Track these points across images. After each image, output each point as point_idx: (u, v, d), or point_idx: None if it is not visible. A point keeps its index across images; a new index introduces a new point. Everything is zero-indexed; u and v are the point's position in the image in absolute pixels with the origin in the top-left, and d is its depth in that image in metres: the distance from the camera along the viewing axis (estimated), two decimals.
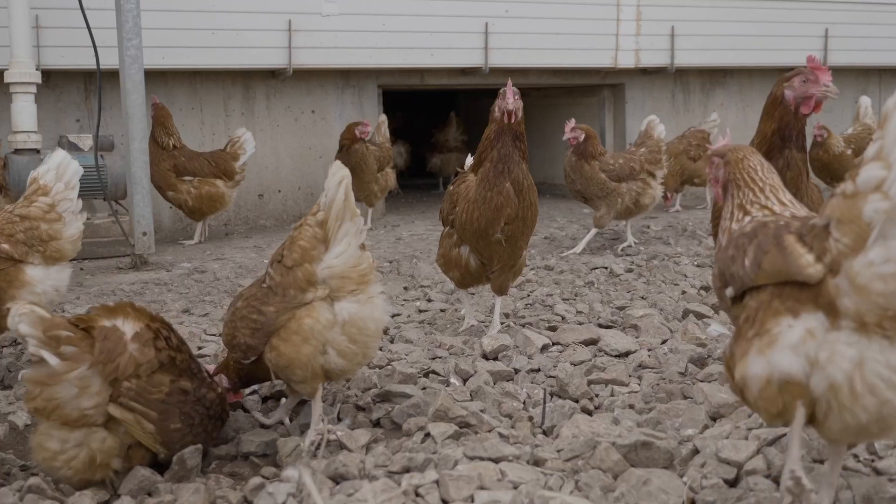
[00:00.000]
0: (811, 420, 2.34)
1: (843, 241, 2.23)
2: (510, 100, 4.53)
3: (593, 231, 7.60)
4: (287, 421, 3.52)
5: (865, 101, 10.20)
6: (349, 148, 9.02)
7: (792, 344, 2.28)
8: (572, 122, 7.59)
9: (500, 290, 4.78)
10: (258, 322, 3.26)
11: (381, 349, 4.39)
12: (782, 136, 3.28)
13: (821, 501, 2.42)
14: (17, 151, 7.46)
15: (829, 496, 2.44)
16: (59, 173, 4.23)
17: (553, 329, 4.72)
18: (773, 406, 2.35)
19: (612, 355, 4.24)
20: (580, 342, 4.42)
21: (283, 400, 3.62)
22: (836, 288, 2.23)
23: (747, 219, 2.61)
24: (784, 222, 2.48)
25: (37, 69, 7.78)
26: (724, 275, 2.56)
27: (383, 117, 9.84)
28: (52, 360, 2.83)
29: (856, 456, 2.86)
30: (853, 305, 2.21)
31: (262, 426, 3.47)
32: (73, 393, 2.85)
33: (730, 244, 2.58)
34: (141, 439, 2.98)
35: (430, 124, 13.96)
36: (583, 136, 7.57)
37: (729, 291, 2.53)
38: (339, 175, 3.16)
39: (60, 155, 4.27)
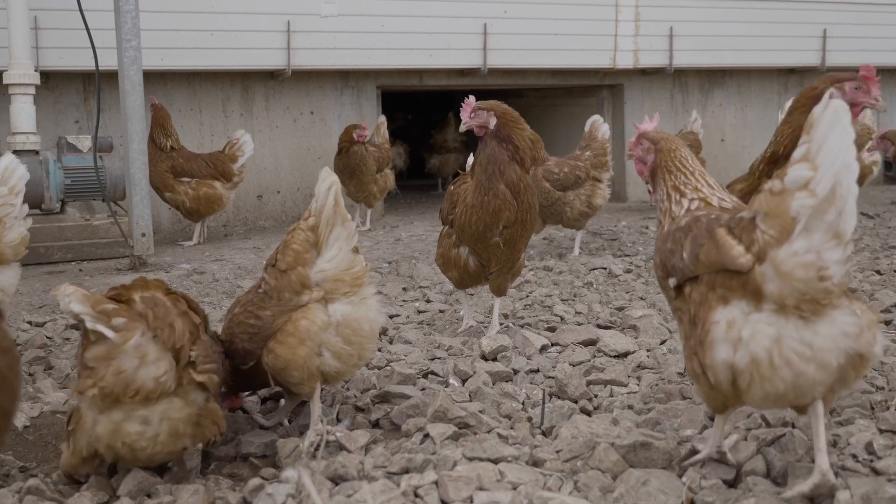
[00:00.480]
0: (736, 390, 2.62)
1: (769, 233, 2.51)
2: (465, 120, 4.48)
3: (579, 234, 7.49)
4: (286, 422, 3.52)
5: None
6: (348, 150, 9.03)
7: (722, 332, 2.58)
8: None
9: (499, 291, 4.77)
10: (255, 327, 3.28)
11: (379, 350, 4.40)
12: None
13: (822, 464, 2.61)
14: (15, 153, 7.46)
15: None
16: (4, 178, 4.25)
17: (552, 330, 4.72)
18: (720, 395, 2.66)
19: (611, 356, 4.24)
20: (579, 343, 4.42)
21: (282, 401, 3.62)
22: (762, 275, 2.51)
23: (685, 201, 2.89)
24: (715, 216, 2.74)
25: (36, 70, 7.78)
26: (665, 266, 2.80)
27: (382, 118, 9.85)
28: (109, 332, 2.81)
29: (854, 456, 2.86)
30: (776, 290, 2.50)
31: (262, 427, 3.47)
32: (135, 364, 2.82)
33: (668, 237, 2.83)
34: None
35: (429, 125, 13.97)
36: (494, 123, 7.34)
37: (672, 282, 2.78)
38: (329, 181, 3.21)
39: (7, 160, 4.29)
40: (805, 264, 2.46)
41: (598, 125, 7.74)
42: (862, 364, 2.58)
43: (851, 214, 2.45)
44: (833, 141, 2.42)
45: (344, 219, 3.25)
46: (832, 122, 2.43)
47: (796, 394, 2.58)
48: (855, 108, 3.24)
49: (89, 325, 2.78)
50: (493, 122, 4.43)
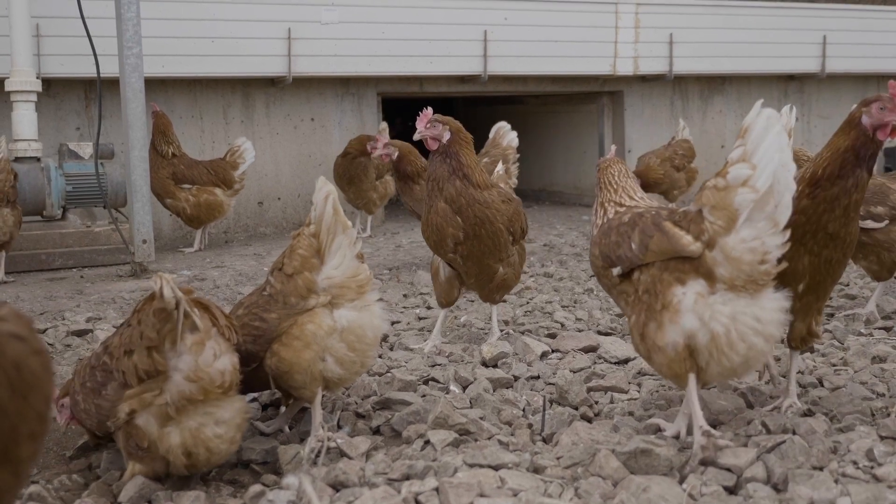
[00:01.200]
0: (699, 370, 2.98)
1: (717, 224, 2.91)
2: (419, 129, 4.47)
3: None
4: (287, 429, 3.52)
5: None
6: (354, 158, 9.04)
7: (689, 306, 2.92)
8: (384, 138, 6.94)
9: (487, 300, 4.74)
10: (260, 329, 3.29)
11: (380, 356, 4.40)
12: (857, 154, 3.23)
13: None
14: (17, 160, 7.48)
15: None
16: None
17: (552, 336, 4.72)
18: (680, 367, 2.97)
19: (611, 362, 4.25)
20: (579, 349, 4.43)
21: (283, 409, 3.63)
22: (713, 259, 2.91)
23: (609, 213, 3.34)
24: (656, 212, 3.16)
25: (37, 77, 7.80)
26: (609, 257, 3.20)
27: (384, 125, 9.85)
28: (199, 321, 2.87)
29: (855, 463, 2.87)
30: (727, 273, 2.89)
31: (262, 434, 3.48)
32: (211, 357, 2.89)
33: (610, 231, 3.24)
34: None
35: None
36: (396, 154, 6.95)
37: (616, 271, 3.17)
38: (325, 191, 3.25)
39: None
40: (751, 249, 2.87)
41: (504, 132, 7.40)
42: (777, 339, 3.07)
43: (787, 206, 2.86)
44: (768, 143, 2.83)
45: (345, 227, 3.28)
46: (765, 127, 2.84)
47: (745, 367, 3.00)
48: (885, 127, 3.21)
49: (183, 309, 2.81)
50: (447, 136, 4.41)
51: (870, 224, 4.85)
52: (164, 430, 2.90)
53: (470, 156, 4.46)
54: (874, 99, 3.24)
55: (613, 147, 4.07)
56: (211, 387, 2.89)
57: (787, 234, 2.90)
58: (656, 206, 3.28)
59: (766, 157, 2.82)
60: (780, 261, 2.94)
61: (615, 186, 3.44)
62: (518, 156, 7.23)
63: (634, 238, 3.11)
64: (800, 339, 3.48)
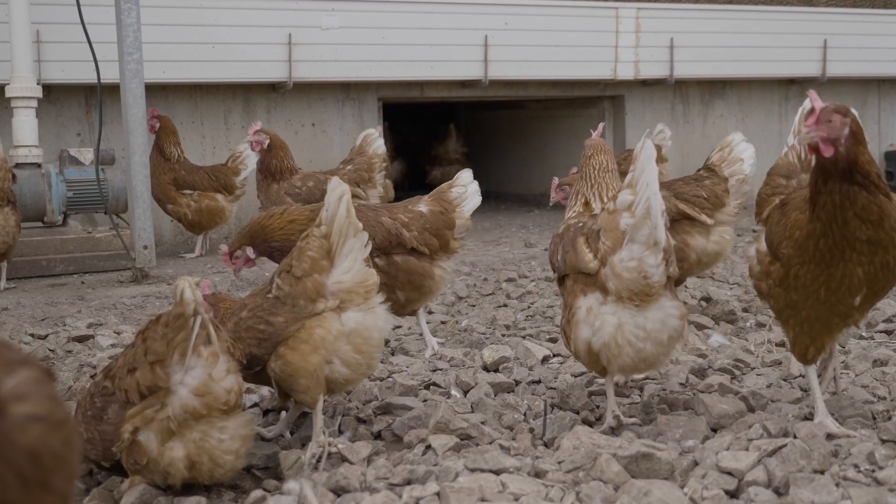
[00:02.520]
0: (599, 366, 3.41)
1: (607, 244, 3.29)
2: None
3: None
4: (288, 434, 3.52)
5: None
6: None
7: (583, 318, 3.34)
8: (257, 125, 6.66)
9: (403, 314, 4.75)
10: (265, 332, 3.27)
11: (382, 361, 4.40)
12: (821, 172, 3.01)
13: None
14: (18, 166, 7.48)
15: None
16: None
17: (554, 340, 4.72)
18: (591, 364, 3.43)
19: None
20: None
21: (284, 414, 3.63)
22: (605, 275, 3.28)
23: (577, 209, 3.63)
24: (581, 224, 3.46)
25: (38, 83, 7.81)
26: (551, 262, 3.58)
27: (379, 129, 9.83)
28: (214, 334, 2.85)
29: (856, 466, 2.86)
30: (614, 286, 3.27)
31: (264, 439, 3.47)
32: (223, 371, 2.87)
33: (555, 238, 3.57)
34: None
35: (431, 136, 13.97)
36: (267, 142, 6.60)
37: (554, 275, 3.61)
38: (339, 191, 3.20)
39: None
40: (630, 268, 3.23)
41: (372, 139, 7.33)
42: (681, 340, 3.46)
43: (662, 227, 3.18)
44: (647, 172, 3.13)
45: (356, 229, 3.25)
46: (647, 157, 3.14)
47: (646, 364, 3.39)
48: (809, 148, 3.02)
49: (205, 317, 2.79)
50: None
51: None
52: (165, 447, 2.86)
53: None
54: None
55: (601, 125, 4.16)
56: (216, 404, 2.85)
57: (666, 254, 3.24)
58: (589, 218, 3.51)
59: (643, 184, 3.15)
60: (832, 281, 3.04)
61: (592, 182, 3.66)
62: (385, 164, 7.13)
63: (559, 250, 3.49)
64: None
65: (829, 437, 3.11)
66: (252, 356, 3.28)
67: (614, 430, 3.39)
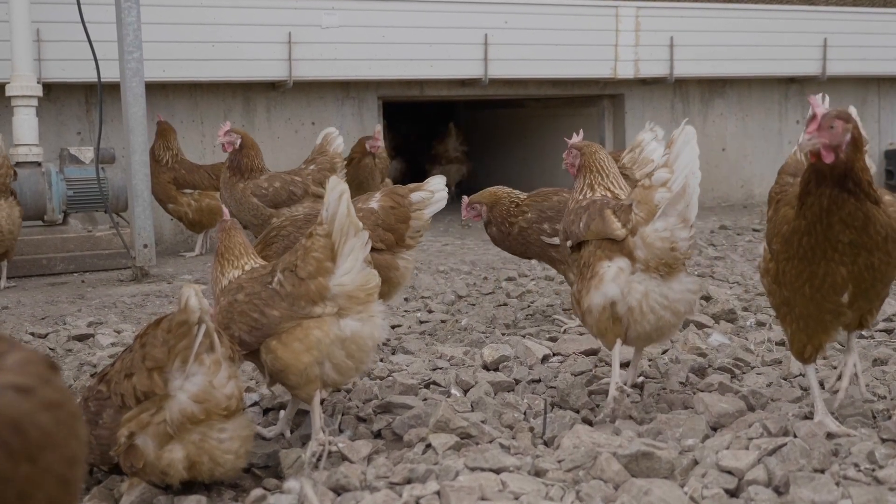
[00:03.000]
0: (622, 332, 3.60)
1: (640, 215, 3.55)
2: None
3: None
4: (287, 433, 3.52)
5: (851, 110, 9.96)
6: (360, 161, 9.06)
7: (611, 277, 3.55)
8: (226, 125, 6.54)
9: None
10: (259, 322, 3.27)
11: (381, 360, 4.40)
12: (815, 174, 2.98)
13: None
14: (18, 164, 7.48)
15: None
16: None
17: (554, 339, 4.72)
18: (605, 327, 3.59)
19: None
20: (581, 353, 4.43)
21: (283, 412, 3.63)
22: (634, 244, 3.54)
23: (594, 194, 3.87)
24: (607, 201, 3.77)
25: (38, 82, 7.81)
26: (566, 232, 3.83)
27: (378, 127, 9.83)
28: (217, 343, 2.84)
29: (856, 465, 2.86)
30: (643, 255, 3.53)
31: (264, 439, 3.47)
32: (225, 378, 2.86)
33: (571, 212, 3.83)
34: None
35: (431, 135, 13.96)
36: (239, 142, 6.47)
37: (569, 244, 3.81)
38: (339, 189, 3.18)
39: None
40: (662, 238, 3.51)
41: (332, 138, 7.22)
42: (688, 316, 3.95)
43: (695, 206, 3.54)
44: (686, 154, 3.48)
45: (357, 228, 3.23)
46: (685, 141, 3.50)
47: (658, 334, 3.66)
48: (810, 154, 2.96)
49: (207, 327, 2.78)
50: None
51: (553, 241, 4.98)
52: (163, 450, 2.85)
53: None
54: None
55: (581, 132, 4.56)
56: (217, 409, 2.85)
57: (694, 230, 3.60)
58: (612, 199, 3.82)
59: (682, 165, 3.47)
60: (815, 278, 3.04)
61: (606, 172, 3.97)
62: (345, 163, 7.07)
63: (583, 219, 3.73)
64: (857, 323, 3.32)
65: (829, 435, 3.11)
66: (241, 341, 3.27)
67: (615, 408, 3.52)
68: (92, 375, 4.30)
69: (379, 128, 9.82)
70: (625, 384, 3.64)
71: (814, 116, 2.99)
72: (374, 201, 4.55)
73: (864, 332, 4.78)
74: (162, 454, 2.85)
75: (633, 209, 3.58)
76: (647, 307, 3.54)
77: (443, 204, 4.61)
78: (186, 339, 2.77)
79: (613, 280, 3.54)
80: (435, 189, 4.57)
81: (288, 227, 4.74)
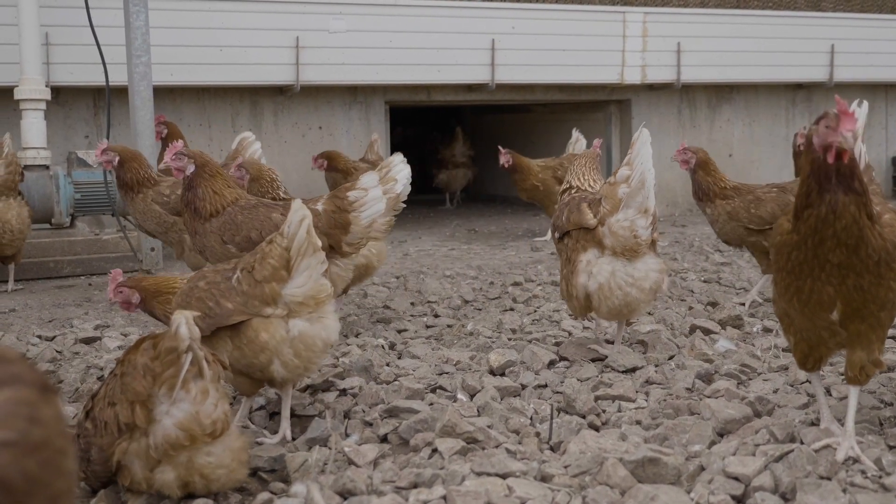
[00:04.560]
0: (594, 312, 4.32)
1: (606, 208, 4.20)
2: (166, 159, 4.85)
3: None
4: (289, 434, 3.51)
5: (864, 105, 9.80)
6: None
7: (583, 268, 4.23)
8: (102, 144, 6.19)
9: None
10: (213, 311, 3.37)
11: (387, 365, 4.40)
12: (818, 179, 2.86)
13: None
14: (26, 168, 7.50)
15: None
16: None
17: (559, 344, 4.72)
18: (582, 308, 4.32)
19: (618, 371, 4.25)
20: (587, 358, 4.43)
21: (282, 414, 3.63)
22: (603, 233, 4.19)
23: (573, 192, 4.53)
24: (583, 196, 4.39)
25: (46, 86, 7.83)
26: (554, 225, 4.47)
27: (376, 135, 9.82)
28: (206, 368, 2.82)
29: (863, 472, 2.86)
30: (610, 242, 4.18)
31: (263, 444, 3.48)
32: (212, 407, 2.83)
33: (558, 209, 4.47)
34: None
35: (437, 139, 13.98)
36: (117, 159, 6.08)
37: (556, 235, 4.46)
38: (301, 214, 3.31)
39: None
40: (624, 227, 4.13)
41: (248, 143, 7.05)
42: (658, 292, 4.32)
43: (652, 198, 4.12)
44: (643, 154, 4.09)
45: (315, 248, 3.35)
46: (642, 142, 4.10)
47: (629, 308, 4.27)
48: (830, 149, 2.83)
49: (198, 353, 2.77)
50: (191, 168, 4.61)
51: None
52: (154, 473, 2.84)
53: (209, 187, 4.60)
54: (823, 116, 2.93)
55: (600, 140, 5.11)
56: (201, 435, 2.81)
57: (653, 218, 4.16)
58: (592, 192, 4.46)
59: (639, 163, 4.09)
60: (801, 293, 3.00)
61: (577, 173, 4.65)
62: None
63: (565, 213, 4.36)
64: (859, 367, 3.09)
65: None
66: None
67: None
68: (99, 378, 4.31)
69: (375, 136, 9.82)
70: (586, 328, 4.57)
71: (848, 114, 2.87)
72: (321, 203, 4.57)
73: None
74: (153, 476, 2.84)
75: (602, 203, 4.22)
76: (614, 284, 4.18)
77: (380, 206, 4.53)
78: (174, 368, 2.74)
79: (584, 270, 4.22)
80: (368, 186, 4.51)
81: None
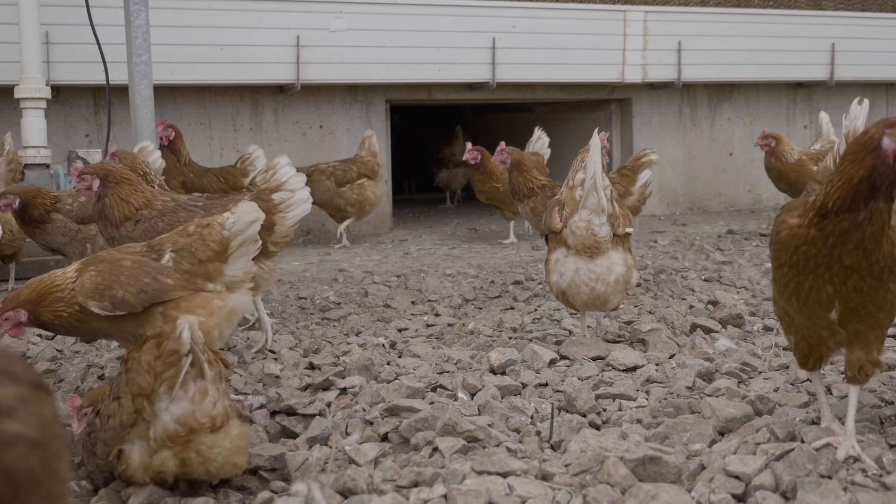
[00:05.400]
0: (568, 303, 4.67)
1: (566, 211, 4.54)
2: (73, 183, 5.05)
3: None
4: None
5: (824, 116, 9.48)
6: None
7: (553, 267, 4.61)
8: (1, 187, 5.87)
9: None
10: (150, 287, 3.60)
11: (388, 363, 4.41)
12: (872, 185, 2.79)
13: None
14: (27, 167, 7.51)
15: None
16: None
17: (560, 343, 4.72)
18: (563, 302, 4.69)
19: (619, 370, 4.25)
20: (588, 357, 4.43)
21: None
22: (566, 234, 4.51)
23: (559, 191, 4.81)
24: (556, 200, 4.68)
25: (47, 84, 7.83)
26: (545, 227, 4.73)
27: (370, 132, 9.71)
28: (208, 370, 2.87)
29: (863, 471, 2.86)
30: (572, 242, 4.50)
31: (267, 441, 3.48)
32: (210, 405, 2.88)
33: (546, 209, 4.76)
34: None
35: (438, 139, 13.97)
36: (17, 203, 5.82)
37: (543, 236, 4.82)
38: (254, 216, 3.70)
39: None
40: (581, 227, 4.46)
41: (147, 152, 6.69)
42: (628, 284, 4.61)
43: (606, 199, 4.41)
44: (594, 157, 4.40)
45: (255, 242, 3.78)
46: (594, 148, 4.39)
47: (600, 300, 4.58)
48: None
49: (199, 357, 2.82)
50: (96, 184, 4.71)
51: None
52: (152, 458, 2.90)
53: (115, 194, 4.70)
54: (890, 123, 2.82)
55: (604, 133, 5.32)
56: (201, 429, 2.87)
57: (606, 216, 4.43)
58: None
59: (591, 169, 4.41)
60: (800, 290, 3.00)
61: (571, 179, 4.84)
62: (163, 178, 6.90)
63: (544, 217, 4.76)
64: (858, 367, 3.09)
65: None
66: (124, 302, 3.56)
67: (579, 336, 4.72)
68: (100, 377, 4.31)
69: (370, 132, 9.76)
70: (588, 327, 4.82)
71: None
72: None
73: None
74: (151, 461, 2.90)
75: (564, 206, 4.57)
76: (579, 281, 4.51)
77: (307, 207, 4.72)
78: (174, 369, 2.81)
79: (554, 269, 4.59)
80: (295, 188, 4.70)
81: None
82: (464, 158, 9.37)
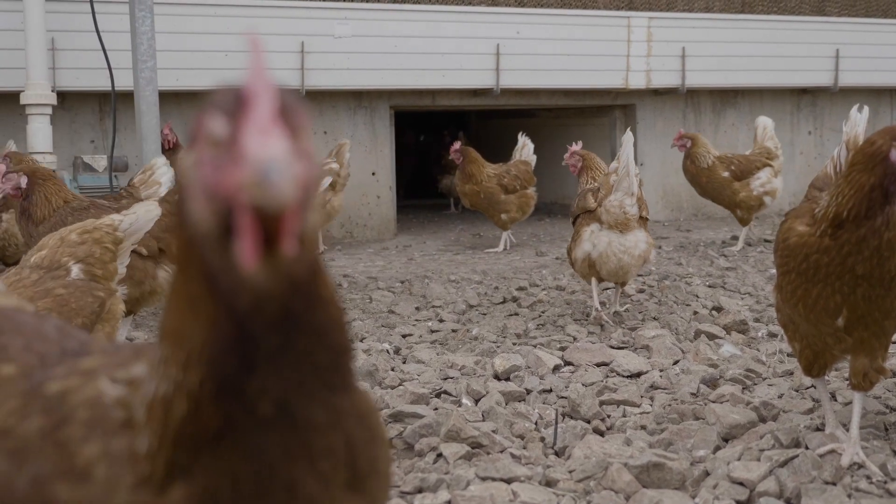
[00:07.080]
0: (596, 274, 5.38)
1: (603, 193, 5.33)
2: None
3: None
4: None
5: (764, 121, 9.37)
6: None
7: (587, 237, 5.31)
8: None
9: None
10: (93, 305, 3.57)
11: (392, 369, 4.41)
12: (885, 192, 2.84)
13: None
14: None
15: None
16: None
17: (564, 349, 4.73)
18: (585, 271, 5.40)
19: (623, 376, 4.25)
20: (592, 363, 4.43)
21: None
22: (600, 212, 5.27)
23: (589, 183, 5.75)
24: (591, 188, 5.57)
25: (52, 91, 7.85)
26: (572, 213, 5.60)
27: (345, 141, 9.50)
28: None
29: (868, 477, 2.86)
30: (605, 218, 5.24)
31: None
32: None
33: (575, 200, 5.64)
34: None
35: (441, 145, 13.96)
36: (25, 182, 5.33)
37: (571, 218, 5.65)
38: (156, 213, 3.89)
39: None
40: (615, 206, 5.20)
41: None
42: (647, 260, 5.39)
43: (635, 183, 5.20)
44: (627, 150, 5.18)
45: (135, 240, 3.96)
46: (627, 142, 5.20)
47: (623, 271, 5.29)
48: None
49: None
50: (24, 181, 4.80)
51: None
52: None
53: (41, 192, 4.82)
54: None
55: (580, 142, 6.45)
56: None
57: (635, 198, 5.21)
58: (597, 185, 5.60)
59: (624, 158, 5.17)
60: (808, 297, 2.99)
61: (597, 171, 5.87)
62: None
63: (577, 201, 5.58)
64: (862, 374, 3.12)
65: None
66: (83, 326, 3.51)
67: (595, 317, 5.37)
68: None
69: (344, 141, 9.56)
70: (602, 304, 5.46)
71: None
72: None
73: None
74: None
75: (600, 190, 5.37)
76: (610, 252, 5.21)
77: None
78: None
79: (588, 239, 5.28)
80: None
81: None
82: (450, 157, 9.40)
